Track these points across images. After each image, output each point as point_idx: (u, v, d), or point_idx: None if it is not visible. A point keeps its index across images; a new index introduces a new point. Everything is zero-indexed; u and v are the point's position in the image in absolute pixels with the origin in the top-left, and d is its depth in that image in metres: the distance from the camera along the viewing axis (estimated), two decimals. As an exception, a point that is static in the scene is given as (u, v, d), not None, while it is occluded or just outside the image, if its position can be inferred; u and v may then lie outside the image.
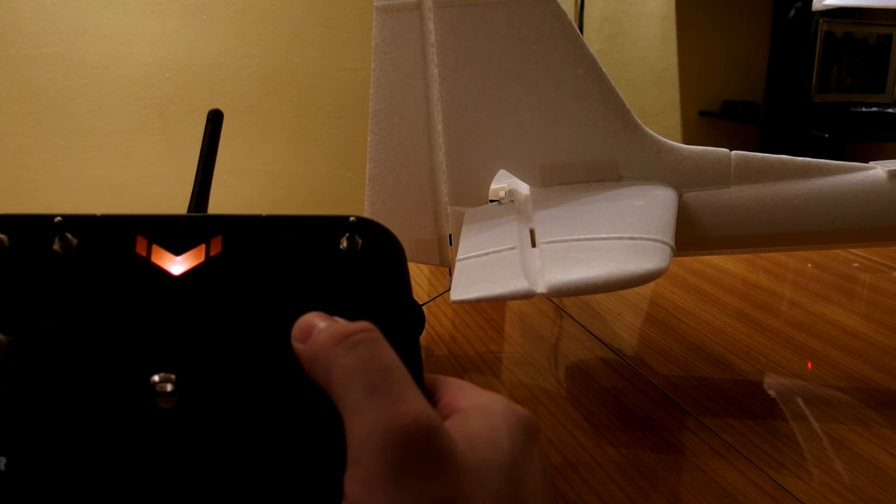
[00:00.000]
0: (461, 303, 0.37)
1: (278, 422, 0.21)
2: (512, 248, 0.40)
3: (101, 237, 0.23)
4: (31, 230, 0.22)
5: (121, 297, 0.22)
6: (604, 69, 0.45)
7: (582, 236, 0.40)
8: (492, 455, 0.21)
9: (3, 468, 0.19)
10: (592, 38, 1.95)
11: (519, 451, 0.22)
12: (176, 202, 1.64)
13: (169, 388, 0.21)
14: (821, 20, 1.93)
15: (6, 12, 1.52)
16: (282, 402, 0.22)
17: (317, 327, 0.22)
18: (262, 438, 0.21)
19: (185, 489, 0.20)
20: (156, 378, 0.21)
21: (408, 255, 0.42)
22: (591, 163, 0.46)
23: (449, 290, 0.51)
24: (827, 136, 1.80)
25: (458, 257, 0.41)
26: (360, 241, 0.24)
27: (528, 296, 0.35)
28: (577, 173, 0.47)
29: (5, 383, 0.20)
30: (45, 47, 1.55)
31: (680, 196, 0.46)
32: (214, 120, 0.35)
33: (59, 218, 0.22)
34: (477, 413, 0.22)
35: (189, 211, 0.32)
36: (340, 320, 0.22)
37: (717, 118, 2.14)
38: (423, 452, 0.19)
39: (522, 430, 0.22)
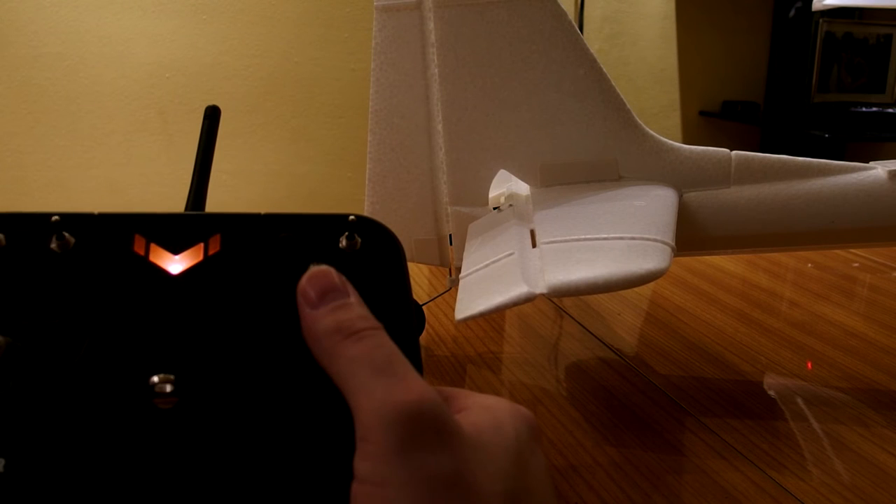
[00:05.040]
0: (466, 320, 0.37)
1: (279, 419, 0.21)
2: (510, 255, 0.40)
3: (99, 236, 0.23)
4: (28, 229, 0.22)
5: (119, 297, 0.22)
6: (604, 69, 0.45)
7: (582, 236, 0.40)
8: (497, 439, 0.21)
9: (1, 470, 0.19)
10: (592, 38, 1.95)
11: (523, 444, 0.22)
12: (176, 202, 1.63)
13: (168, 388, 0.21)
14: (821, 20, 1.93)
15: (6, 12, 1.52)
16: (283, 399, 0.22)
17: (328, 299, 0.22)
18: (263, 437, 0.21)
19: (186, 490, 0.20)
20: (155, 379, 0.21)
21: (408, 255, 0.42)
22: (591, 163, 0.46)
23: (449, 289, 0.51)
24: (827, 136, 1.80)
25: (462, 275, 0.41)
26: (359, 240, 0.24)
27: (529, 299, 0.35)
28: (578, 173, 0.47)
29: (3, 384, 0.20)
30: (45, 47, 1.55)
31: (680, 196, 0.46)
32: (212, 116, 0.35)
33: (56, 217, 0.22)
34: (481, 410, 0.22)
35: (187, 208, 0.31)
36: (350, 289, 0.22)
37: (717, 118, 2.14)
38: (429, 426, 0.20)
39: (526, 428, 0.23)
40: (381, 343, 0.21)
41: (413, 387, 0.20)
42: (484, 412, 0.22)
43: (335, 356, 0.21)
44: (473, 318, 0.36)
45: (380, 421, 0.19)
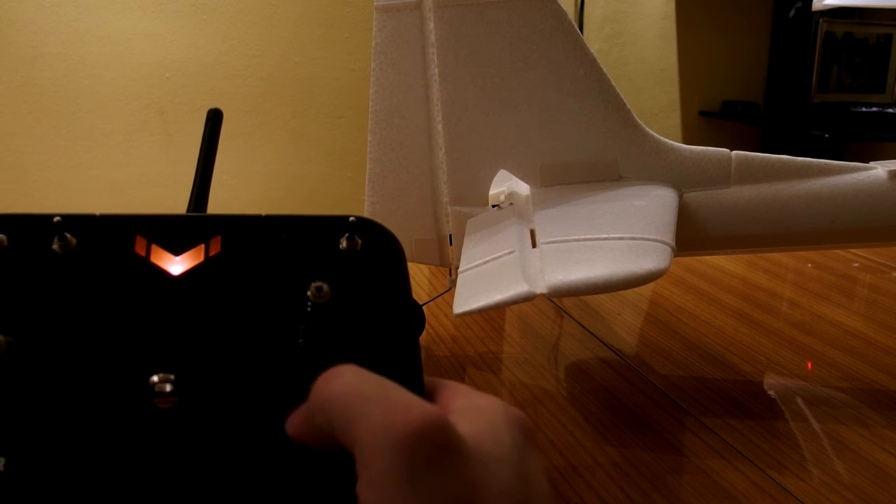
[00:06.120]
0: (464, 315, 0.37)
1: (281, 420, 0.21)
2: (511, 253, 0.40)
3: (101, 237, 0.23)
4: (30, 230, 0.22)
5: (120, 298, 0.22)
6: (604, 69, 0.45)
7: (582, 236, 0.40)
8: (497, 450, 0.21)
9: (1, 469, 0.19)
10: (592, 38, 1.95)
11: (521, 451, 0.22)
12: (176, 202, 1.64)
13: (168, 388, 0.21)
14: (821, 20, 1.93)
15: (6, 12, 1.52)
16: (284, 400, 0.22)
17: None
18: (264, 438, 0.21)
19: (185, 490, 0.20)
20: (155, 378, 0.21)
21: (408, 255, 0.42)
22: (591, 163, 0.46)
23: (449, 289, 0.51)
24: (827, 136, 1.80)
25: (461, 270, 0.41)
26: (359, 241, 0.24)
27: (529, 298, 0.35)
28: (578, 173, 0.47)
29: (4, 383, 0.20)
30: (45, 47, 1.55)
31: (680, 196, 0.46)
32: (214, 119, 0.35)
33: (58, 218, 0.22)
34: (475, 412, 0.22)
35: (188, 210, 0.32)
36: None
37: (717, 118, 2.14)
38: (436, 447, 0.19)
39: (522, 433, 0.22)
40: (365, 374, 0.20)
41: (413, 405, 0.19)
42: (477, 416, 0.22)
43: (323, 401, 0.20)
44: (472, 313, 0.36)
45: (382, 447, 0.18)
